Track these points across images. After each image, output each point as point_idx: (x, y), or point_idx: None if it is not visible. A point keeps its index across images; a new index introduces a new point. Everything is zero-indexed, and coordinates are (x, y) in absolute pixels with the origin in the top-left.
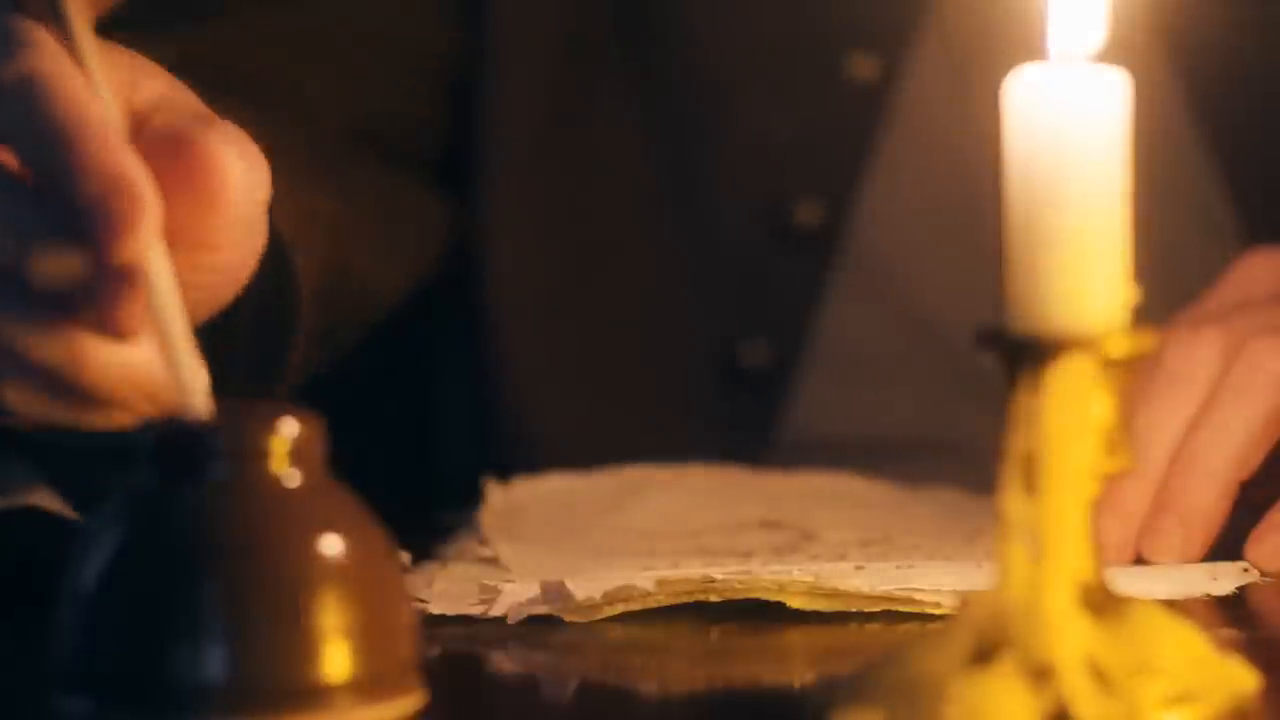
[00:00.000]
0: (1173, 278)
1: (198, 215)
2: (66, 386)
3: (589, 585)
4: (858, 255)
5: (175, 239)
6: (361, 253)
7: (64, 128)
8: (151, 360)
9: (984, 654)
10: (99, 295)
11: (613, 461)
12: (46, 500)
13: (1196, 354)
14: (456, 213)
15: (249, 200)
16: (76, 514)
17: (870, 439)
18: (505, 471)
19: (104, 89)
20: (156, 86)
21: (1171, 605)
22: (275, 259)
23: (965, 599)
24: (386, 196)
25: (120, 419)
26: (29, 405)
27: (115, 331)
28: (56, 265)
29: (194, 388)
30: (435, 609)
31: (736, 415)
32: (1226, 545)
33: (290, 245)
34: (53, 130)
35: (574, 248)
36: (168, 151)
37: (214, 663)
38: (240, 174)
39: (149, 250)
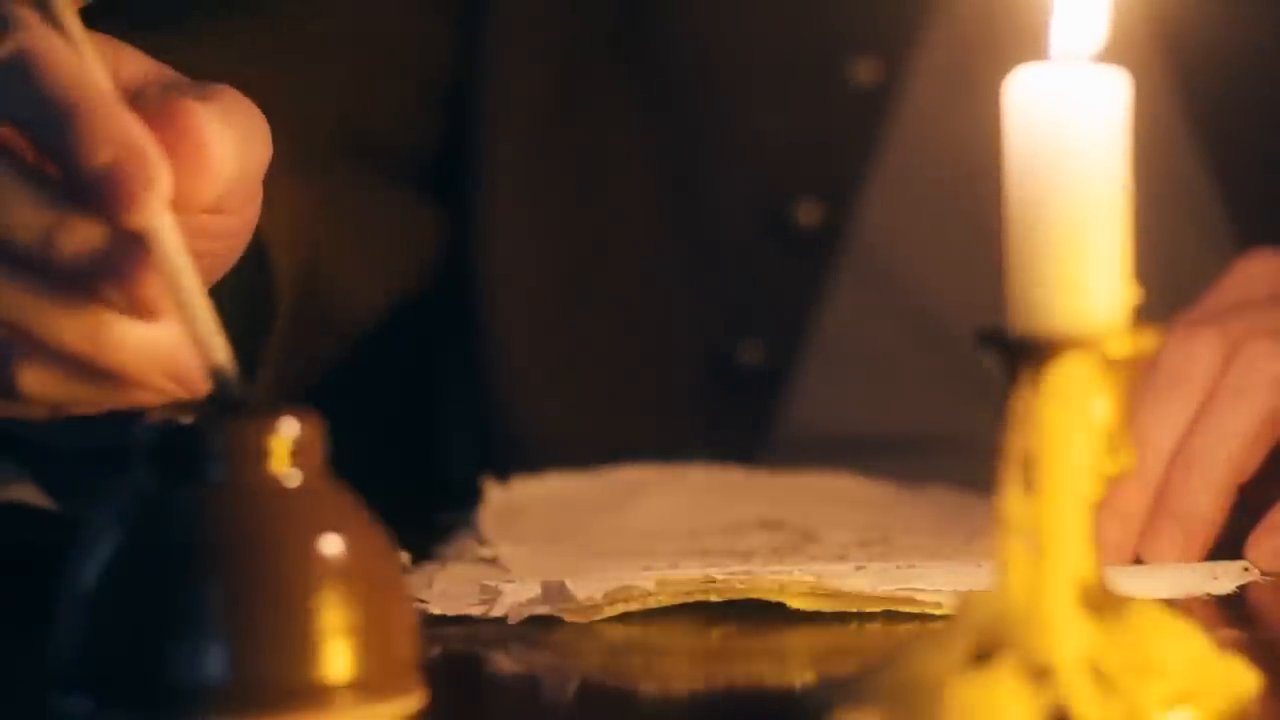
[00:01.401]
0: (1170, 280)
1: (186, 180)
2: (88, 367)
3: (589, 585)
4: (858, 255)
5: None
6: (333, 258)
7: (65, 99)
8: (172, 337)
9: (984, 654)
10: (119, 268)
11: (611, 460)
12: (30, 495)
13: (1194, 355)
14: (446, 222)
15: (245, 162)
16: (59, 509)
17: (868, 437)
18: (505, 471)
19: (96, 64)
20: (141, 64)
21: (1171, 605)
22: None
23: (965, 599)
24: (368, 206)
25: (142, 398)
26: (48, 389)
27: (137, 306)
28: (76, 239)
29: (215, 348)
30: (435, 609)
31: (733, 414)
32: (1226, 545)
33: (266, 234)
34: (54, 103)
35: (572, 247)
36: (154, 119)
37: (214, 663)
38: (226, 137)
39: (160, 216)
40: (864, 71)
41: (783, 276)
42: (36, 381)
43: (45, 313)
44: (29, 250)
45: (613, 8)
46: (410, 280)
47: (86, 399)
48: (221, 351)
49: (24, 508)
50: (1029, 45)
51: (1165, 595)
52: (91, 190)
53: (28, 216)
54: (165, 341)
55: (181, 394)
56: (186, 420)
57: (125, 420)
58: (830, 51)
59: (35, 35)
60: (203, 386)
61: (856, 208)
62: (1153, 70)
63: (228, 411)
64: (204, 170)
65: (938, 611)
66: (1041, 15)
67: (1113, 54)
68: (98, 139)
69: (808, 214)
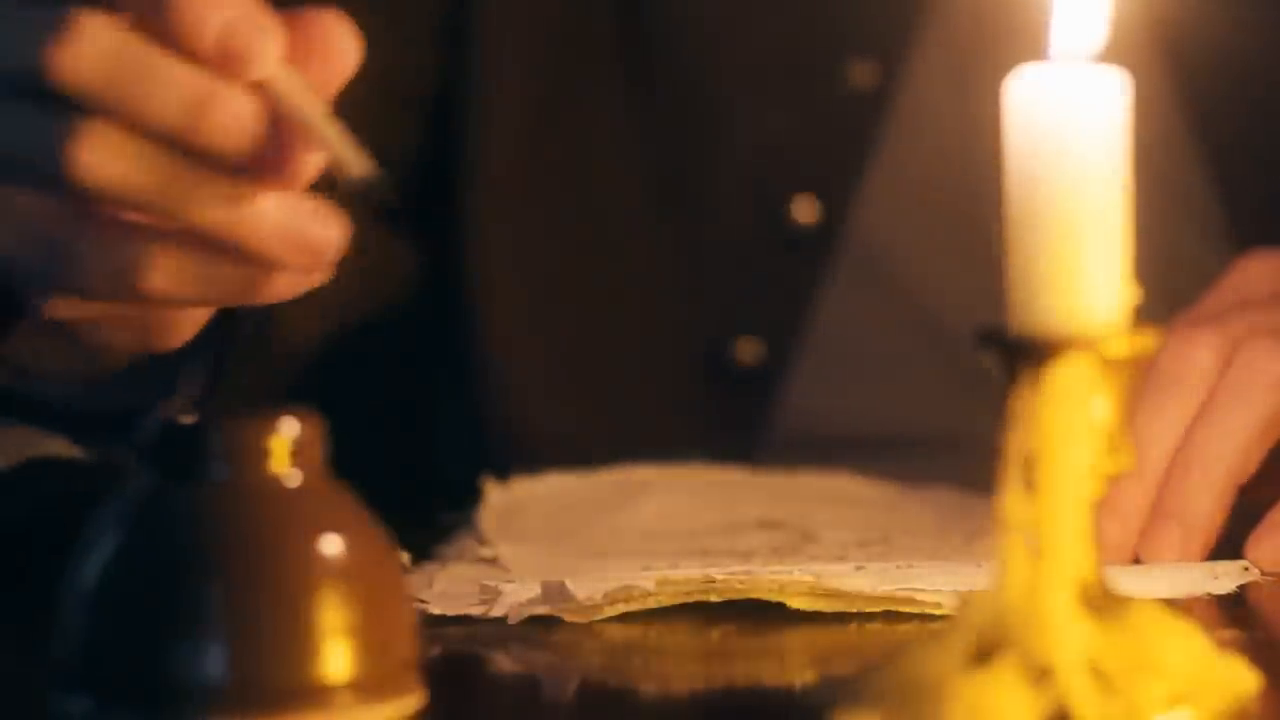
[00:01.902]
0: (1169, 280)
1: (324, 77)
2: (226, 249)
3: (589, 585)
4: (855, 253)
5: None
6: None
7: None
8: (297, 210)
9: (984, 654)
10: (268, 139)
11: (607, 459)
12: (60, 448)
13: (1194, 356)
14: (416, 254)
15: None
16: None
17: (866, 437)
18: (505, 471)
19: None
20: None
21: (1171, 605)
22: None
23: (965, 599)
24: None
25: (274, 288)
26: (179, 282)
27: (284, 175)
28: (224, 112)
29: (358, 162)
30: (435, 609)
31: (730, 413)
32: (1226, 545)
33: None
34: None
35: (567, 245)
36: (293, 28)
37: (214, 663)
38: (350, 31)
39: (280, 67)
40: (861, 75)
41: (779, 275)
42: (165, 274)
43: (186, 191)
44: (171, 126)
45: (608, 7)
46: (367, 313)
47: (218, 293)
48: (366, 162)
49: (56, 461)
50: (1029, 45)
51: (1165, 595)
52: (208, 60)
53: (173, 90)
54: (294, 216)
55: (313, 274)
56: (187, 420)
57: (150, 382)
58: (827, 54)
59: None
60: (332, 257)
61: (854, 206)
62: (1153, 70)
63: (385, 208)
64: (339, 67)
65: (938, 611)
66: (1041, 15)
67: (1113, 54)
68: (204, 8)
69: (804, 212)
